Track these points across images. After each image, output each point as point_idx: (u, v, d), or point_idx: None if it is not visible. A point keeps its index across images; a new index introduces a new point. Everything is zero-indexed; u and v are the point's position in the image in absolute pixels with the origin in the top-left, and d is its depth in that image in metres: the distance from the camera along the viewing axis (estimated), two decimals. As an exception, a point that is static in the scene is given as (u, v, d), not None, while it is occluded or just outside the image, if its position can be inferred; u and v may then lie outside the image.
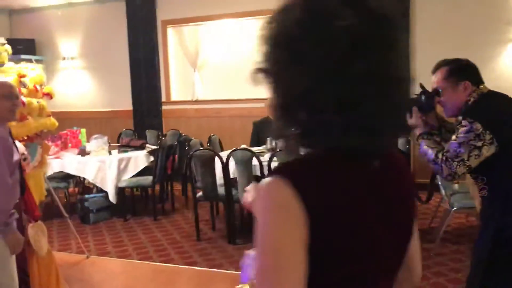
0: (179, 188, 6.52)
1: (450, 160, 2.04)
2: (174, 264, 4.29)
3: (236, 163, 4.53)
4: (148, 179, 5.79)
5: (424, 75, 1.90)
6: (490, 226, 2.11)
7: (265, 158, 4.60)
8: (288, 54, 0.83)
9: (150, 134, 7.13)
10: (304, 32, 0.81)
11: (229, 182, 4.62)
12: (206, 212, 5.36)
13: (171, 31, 7.67)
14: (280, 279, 0.78)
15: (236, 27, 7.19)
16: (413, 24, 6.07)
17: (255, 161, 4.49)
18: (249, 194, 1.51)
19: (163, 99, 7.78)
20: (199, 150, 4.77)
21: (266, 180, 0.83)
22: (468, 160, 2.03)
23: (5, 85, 2.62)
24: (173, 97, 7.80)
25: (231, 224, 4.81)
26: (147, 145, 6.30)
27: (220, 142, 6.06)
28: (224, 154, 4.77)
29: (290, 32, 0.83)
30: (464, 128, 2.03)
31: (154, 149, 5.95)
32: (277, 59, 0.85)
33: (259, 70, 0.88)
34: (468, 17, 5.84)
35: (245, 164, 4.47)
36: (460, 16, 5.91)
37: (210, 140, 5.93)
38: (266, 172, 4.38)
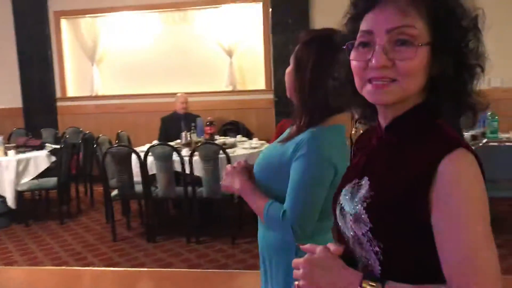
0: (81, 189, 6.19)
1: None
2: (95, 267, 4.09)
3: (156, 159, 4.43)
4: (51, 180, 5.42)
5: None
6: None
7: (184, 153, 4.56)
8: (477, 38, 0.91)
9: (46, 133, 6.64)
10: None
11: (148, 179, 4.50)
12: (116, 212, 5.15)
13: (65, 22, 7.20)
14: (490, 246, 0.81)
15: (137, 20, 6.97)
16: (312, 22, 6.38)
17: (174, 156, 4.43)
18: (229, 177, 1.52)
19: (58, 95, 7.28)
20: (114, 147, 4.58)
21: (455, 153, 0.84)
22: None
23: None
24: (69, 93, 7.33)
25: (150, 222, 4.70)
26: (47, 144, 5.88)
27: (129, 139, 5.86)
28: (139, 150, 4.63)
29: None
30: None
31: (56, 149, 5.57)
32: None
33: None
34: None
35: (165, 159, 4.39)
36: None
37: (118, 136, 5.71)
38: (187, 167, 4.35)
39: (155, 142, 5.16)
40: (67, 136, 5.72)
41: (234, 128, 6.29)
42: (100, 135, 5.42)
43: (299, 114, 1.43)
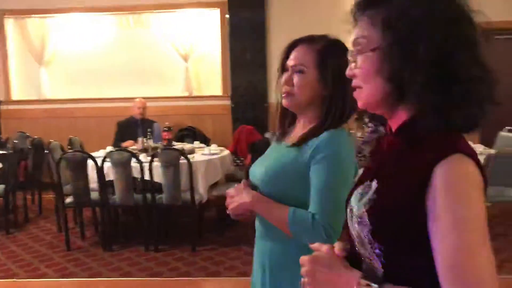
0: (28, 197, 5.88)
1: None
2: (49, 278, 3.90)
3: (113, 165, 4.29)
4: (-4, 188, 5.13)
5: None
6: None
7: (142, 158, 4.44)
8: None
9: (-12, 137, 6.30)
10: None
11: (105, 186, 4.36)
12: (69, 220, 4.94)
13: (10, 22, 6.87)
14: (487, 255, 0.79)
15: (90, 22, 6.76)
16: (268, 41, 6.43)
17: (132, 162, 4.31)
18: (235, 199, 1.45)
19: (2, 98, 6.92)
20: (69, 152, 4.40)
21: (449, 159, 0.83)
22: None
23: None
24: (14, 96, 6.99)
25: (106, 230, 4.54)
26: (-9, 150, 5.56)
27: (81, 144, 5.65)
28: (96, 156, 4.47)
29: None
30: (370, 129, 2.27)
31: (2, 154, 5.28)
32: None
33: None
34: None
35: (123, 165, 4.26)
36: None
37: (70, 142, 5.49)
38: (146, 173, 4.24)
39: (109, 147, 5.01)
40: (16, 141, 5.43)
41: (190, 133, 6.21)
42: (51, 140, 5.18)
43: (319, 118, 1.43)
